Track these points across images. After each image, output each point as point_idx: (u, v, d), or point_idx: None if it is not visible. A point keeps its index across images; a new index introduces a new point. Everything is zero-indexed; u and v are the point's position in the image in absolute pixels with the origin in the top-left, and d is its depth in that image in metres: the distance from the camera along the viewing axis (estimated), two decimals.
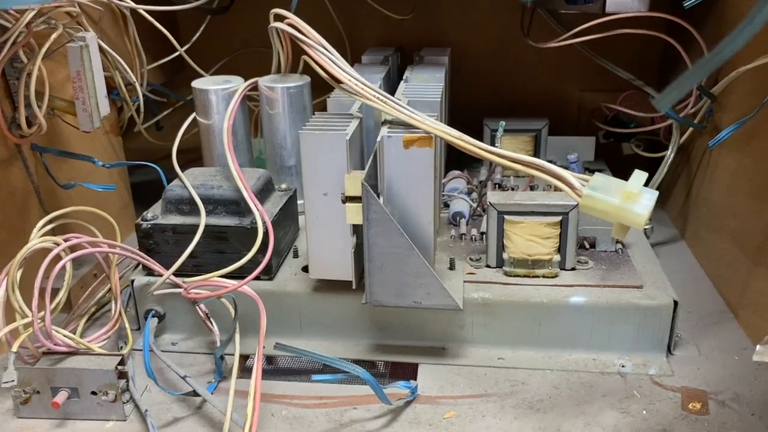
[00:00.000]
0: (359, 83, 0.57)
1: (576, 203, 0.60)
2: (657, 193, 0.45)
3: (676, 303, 0.59)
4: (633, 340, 0.60)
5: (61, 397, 0.54)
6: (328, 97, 0.67)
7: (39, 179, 0.68)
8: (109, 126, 0.83)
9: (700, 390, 0.57)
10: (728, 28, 0.71)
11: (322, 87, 0.64)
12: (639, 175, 0.45)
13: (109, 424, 0.55)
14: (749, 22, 0.24)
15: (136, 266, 0.66)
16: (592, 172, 0.88)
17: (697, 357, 0.61)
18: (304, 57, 0.60)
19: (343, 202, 0.55)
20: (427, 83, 0.70)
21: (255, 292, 0.57)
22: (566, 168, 0.83)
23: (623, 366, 0.59)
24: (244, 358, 0.62)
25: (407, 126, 0.55)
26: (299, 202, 0.71)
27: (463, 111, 0.91)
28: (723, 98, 0.71)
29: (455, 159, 0.85)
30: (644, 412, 0.54)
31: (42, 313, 0.53)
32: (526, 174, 0.51)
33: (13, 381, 0.51)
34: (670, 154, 0.76)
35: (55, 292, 0.60)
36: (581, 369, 0.59)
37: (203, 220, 0.61)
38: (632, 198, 0.44)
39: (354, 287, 0.60)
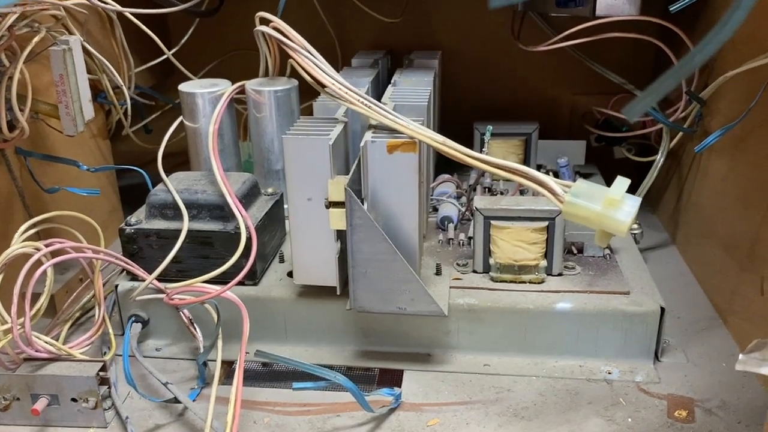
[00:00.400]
0: (343, 87, 0.57)
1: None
2: (639, 199, 0.45)
3: (663, 309, 0.58)
4: (620, 347, 0.59)
5: (40, 404, 0.53)
6: (315, 101, 0.66)
7: (24, 183, 0.68)
8: (96, 129, 0.82)
9: (686, 397, 0.56)
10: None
11: (311, 91, 0.64)
12: (621, 182, 0.44)
13: (90, 431, 0.54)
14: (720, 30, 0.23)
15: (121, 271, 0.66)
16: (583, 176, 0.88)
17: (684, 364, 0.60)
18: (290, 60, 0.60)
19: (327, 207, 0.55)
20: (415, 87, 0.70)
21: (239, 297, 0.57)
22: (556, 172, 0.84)
23: (610, 373, 0.59)
24: (228, 364, 0.61)
25: (392, 131, 0.55)
26: (285, 206, 0.71)
27: (453, 114, 0.91)
28: (712, 102, 0.71)
29: (445, 163, 0.85)
30: (629, 419, 0.54)
31: (21, 319, 0.53)
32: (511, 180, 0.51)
33: None
34: (659, 159, 0.75)
35: (36, 297, 0.59)
36: (567, 376, 0.59)
37: (186, 224, 0.61)
38: (614, 205, 0.44)
39: (339, 293, 0.60)
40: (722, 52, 0.43)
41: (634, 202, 0.44)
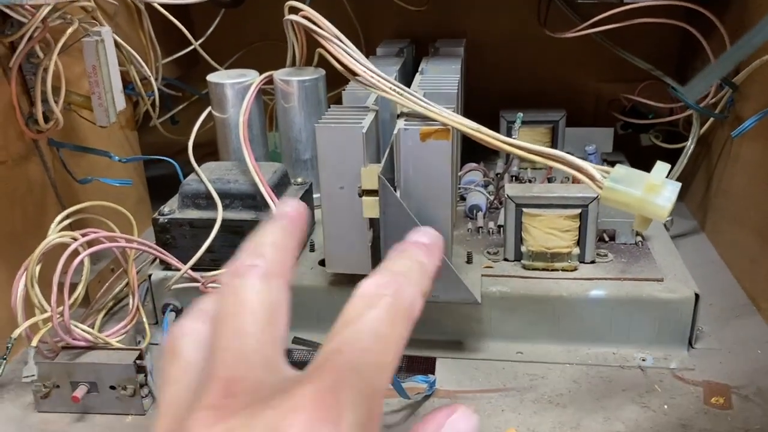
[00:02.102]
0: (375, 75, 0.57)
1: (596, 195, 0.59)
2: (679, 184, 0.44)
3: (697, 296, 0.58)
4: (654, 334, 0.59)
5: (80, 391, 0.54)
6: (344, 89, 0.66)
7: (56, 174, 0.69)
8: (124, 120, 0.83)
9: (722, 384, 0.56)
10: (751, 16, 0.70)
11: (336, 80, 0.64)
12: (661, 167, 0.44)
13: (129, 419, 0.55)
14: None
15: (154, 261, 0.66)
16: (610, 163, 0.87)
17: (719, 351, 0.60)
18: (320, 50, 0.60)
19: (360, 195, 0.55)
20: (443, 75, 0.69)
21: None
22: (584, 160, 0.83)
23: (644, 360, 0.59)
24: None
25: (424, 118, 0.55)
26: (315, 195, 0.71)
27: (478, 103, 0.90)
28: (745, 88, 0.70)
29: (471, 151, 0.85)
30: (665, 406, 0.54)
31: (61, 307, 0.54)
32: (545, 166, 0.51)
33: (34, 375, 0.52)
34: (690, 145, 0.75)
35: (73, 286, 0.60)
36: (601, 363, 0.59)
37: (220, 214, 0.61)
38: (655, 190, 0.43)
39: None
40: None
41: (674, 187, 0.44)
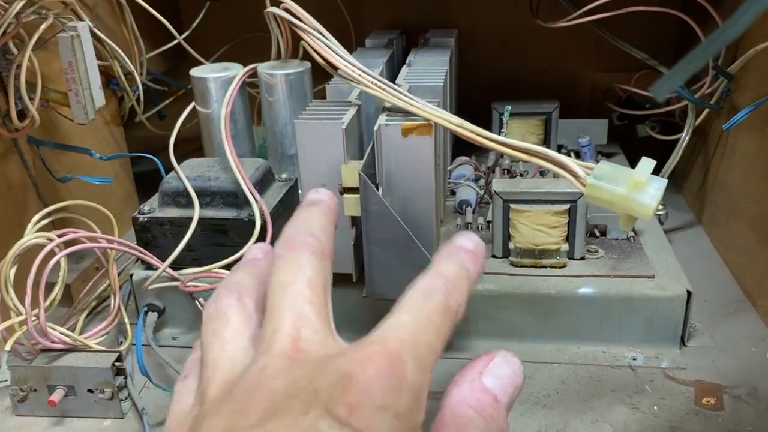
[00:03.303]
0: (356, 69, 0.55)
1: None
2: (665, 181, 0.43)
3: (689, 293, 0.57)
4: (645, 332, 0.58)
5: (57, 395, 0.53)
6: (327, 84, 0.65)
7: (37, 173, 0.68)
8: (110, 116, 0.82)
9: (714, 384, 0.54)
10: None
11: (324, 73, 0.62)
12: (647, 163, 0.42)
13: (107, 422, 0.54)
14: (754, 1, 0.21)
15: (137, 260, 0.65)
16: (605, 155, 0.86)
17: (712, 349, 0.59)
18: (302, 42, 0.58)
19: (341, 193, 0.54)
20: (430, 67, 0.68)
21: None
22: (578, 152, 0.82)
23: (634, 359, 0.57)
24: None
25: (407, 113, 0.53)
26: (300, 191, 0.70)
27: (470, 94, 0.89)
28: (741, 77, 0.68)
29: (463, 144, 0.83)
30: (655, 407, 0.52)
31: (36, 310, 0.53)
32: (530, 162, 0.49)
33: (7, 381, 0.51)
34: (685, 137, 0.73)
35: (51, 287, 0.59)
36: (590, 362, 0.57)
37: (197, 212, 0.60)
38: (639, 187, 0.42)
39: (354, 280, 0.58)
40: (750, 25, 0.41)
41: (659, 185, 0.42)
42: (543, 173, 0.77)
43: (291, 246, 0.25)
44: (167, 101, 0.89)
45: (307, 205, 0.28)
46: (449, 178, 0.77)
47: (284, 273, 0.24)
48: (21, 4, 0.57)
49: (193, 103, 0.73)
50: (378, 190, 0.53)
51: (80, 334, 0.60)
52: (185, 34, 0.84)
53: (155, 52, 0.83)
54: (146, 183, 0.89)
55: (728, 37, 0.22)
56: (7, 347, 0.51)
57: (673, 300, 0.57)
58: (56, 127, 0.72)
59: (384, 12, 0.95)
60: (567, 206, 0.59)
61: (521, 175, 0.78)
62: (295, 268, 0.24)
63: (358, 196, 0.53)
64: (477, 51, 0.94)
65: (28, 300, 0.52)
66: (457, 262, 0.25)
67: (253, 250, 0.29)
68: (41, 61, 0.63)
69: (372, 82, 0.54)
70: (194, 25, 0.86)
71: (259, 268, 0.27)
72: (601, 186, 0.43)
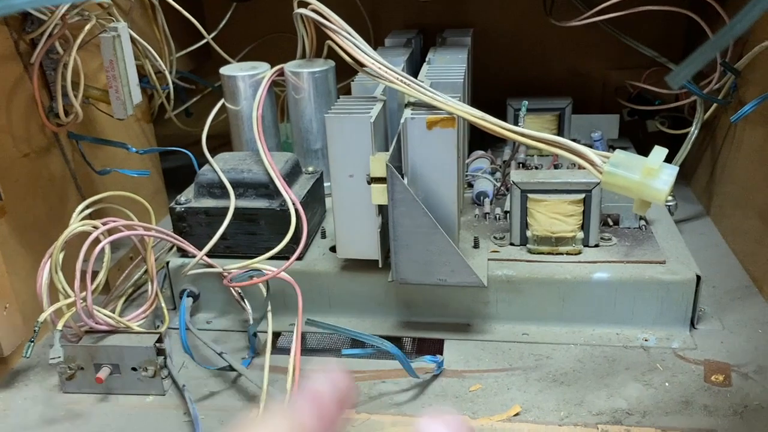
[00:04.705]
0: (382, 66, 0.58)
1: (599, 181, 0.61)
2: (677, 168, 0.46)
3: (698, 277, 0.59)
4: (656, 315, 0.61)
5: (103, 372, 0.56)
6: (353, 80, 0.68)
7: (76, 166, 0.71)
8: (140, 113, 0.85)
9: (723, 363, 0.57)
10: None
11: (346, 71, 0.65)
12: (659, 151, 0.46)
13: (149, 398, 0.57)
14: None
15: (171, 248, 0.69)
16: (616, 150, 0.89)
17: (720, 331, 0.62)
18: (328, 42, 0.62)
19: (369, 183, 0.57)
20: (449, 64, 0.71)
21: (285, 272, 0.59)
22: (590, 147, 0.85)
23: (646, 340, 0.60)
24: (275, 335, 0.64)
25: (430, 107, 0.56)
26: (326, 184, 0.73)
27: (486, 91, 0.92)
28: (747, 73, 0.71)
29: (479, 139, 0.86)
30: (667, 384, 0.55)
31: (84, 293, 0.56)
32: (550, 153, 0.52)
33: (60, 357, 0.54)
34: (693, 131, 0.76)
35: (94, 274, 0.62)
36: (605, 343, 0.60)
37: (233, 203, 0.63)
38: (653, 174, 0.45)
39: (380, 266, 0.62)
40: (757, 21, 0.44)
41: (671, 171, 0.45)
42: (557, 166, 0.80)
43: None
44: (194, 99, 0.93)
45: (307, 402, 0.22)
46: (466, 171, 0.80)
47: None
48: (66, 6, 0.60)
49: (222, 101, 0.76)
50: (404, 180, 0.56)
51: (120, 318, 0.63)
52: (213, 34, 0.87)
53: (184, 51, 0.87)
54: (173, 178, 0.92)
55: (738, 30, 0.25)
56: (60, 326, 0.55)
57: (684, 284, 0.60)
58: (92, 123, 0.75)
59: (402, 12, 0.98)
60: (582, 195, 0.62)
61: (536, 168, 0.81)
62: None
63: (385, 185, 0.56)
64: (491, 49, 0.97)
65: (77, 283, 0.55)
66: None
67: (319, 379, 0.23)
68: (82, 60, 0.66)
69: (397, 78, 0.58)
70: (222, 25, 0.89)
71: (322, 410, 0.22)
72: (617, 173, 0.46)
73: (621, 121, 0.89)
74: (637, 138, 0.92)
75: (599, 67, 0.98)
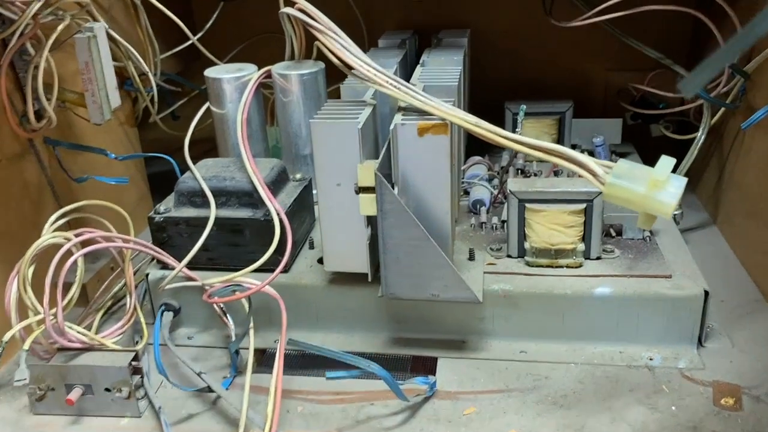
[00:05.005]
0: (372, 69, 0.55)
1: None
2: (685, 180, 0.42)
3: (706, 293, 0.56)
4: (661, 332, 0.58)
5: (75, 394, 0.53)
6: (342, 84, 0.65)
7: (53, 173, 0.68)
8: (124, 117, 0.82)
9: (733, 384, 0.54)
10: (763, 2, 0.67)
11: (337, 73, 0.62)
12: (666, 161, 0.42)
13: (124, 421, 0.54)
14: None
15: (153, 259, 0.66)
16: (619, 155, 0.86)
17: (729, 349, 0.58)
18: (317, 43, 0.58)
19: (357, 192, 0.54)
20: (444, 66, 0.68)
21: (270, 285, 0.56)
22: (592, 152, 0.81)
23: (651, 359, 0.57)
24: (260, 352, 0.61)
25: (422, 113, 0.53)
26: (315, 191, 0.70)
27: (483, 94, 0.89)
28: (757, 76, 0.68)
29: (476, 144, 0.83)
30: (673, 407, 0.52)
31: (54, 309, 0.53)
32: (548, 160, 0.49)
33: (25, 379, 0.51)
34: (700, 136, 0.72)
35: (68, 287, 0.59)
36: (607, 362, 0.57)
37: (213, 212, 0.60)
38: (659, 186, 0.42)
39: (370, 279, 0.58)
40: None
41: (680, 183, 0.42)
42: (557, 173, 0.77)
43: None
44: (181, 102, 0.90)
45: None
46: (463, 178, 0.77)
47: None
48: (39, 4, 0.57)
49: (207, 104, 0.73)
50: (394, 189, 0.53)
51: (96, 333, 0.60)
52: (199, 35, 0.84)
53: (169, 53, 0.84)
54: (159, 184, 0.89)
55: (757, 33, 0.22)
56: (26, 346, 0.51)
57: (691, 300, 0.56)
58: (71, 128, 0.72)
59: (396, 12, 0.95)
60: (583, 206, 0.58)
61: (535, 175, 0.78)
62: None
63: (374, 195, 0.53)
64: (489, 51, 0.94)
65: (46, 299, 0.52)
66: None
67: None
68: (57, 62, 0.63)
69: (387, 82, 0.54)
70: (208, 25, 0.86)
71: None
72: (620, 185, 0.43)
73: (623, 126, 0.85)
74: (641, 143, 0.88)
75: (600, 69, 0.95)
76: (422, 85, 0.60)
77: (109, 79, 0.63)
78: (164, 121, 0.87)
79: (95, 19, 0.67)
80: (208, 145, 0.78)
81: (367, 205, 0.54)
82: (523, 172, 0.79)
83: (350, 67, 0.56)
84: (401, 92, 0.53)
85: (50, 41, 0.59)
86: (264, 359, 0.61)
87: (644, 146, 0.88)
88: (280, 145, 0.79)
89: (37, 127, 0.62)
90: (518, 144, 0.48)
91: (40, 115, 0.62)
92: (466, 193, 0.75)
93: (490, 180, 0.77)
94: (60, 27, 0.60)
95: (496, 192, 0.73)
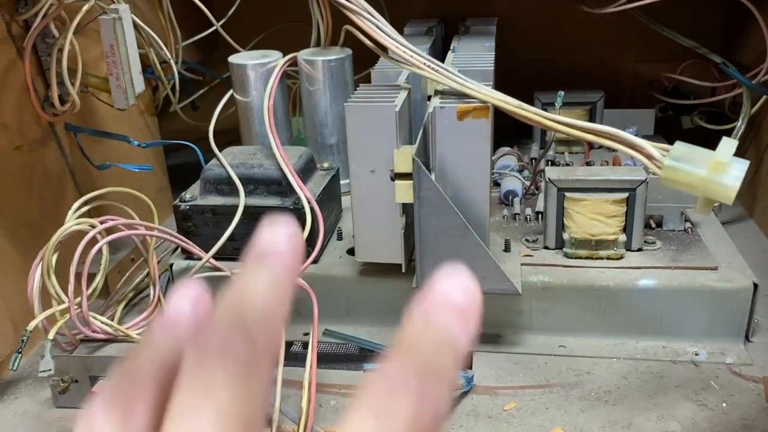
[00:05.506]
0: (408, 50, 0.53)
1: (644, 178, 0.55)
2: (747, 162, 0.40)
3: (756, 285, 0.54)
4: (707, 326, 0.55)
5: (100, 386, 0.51)
6: (373, 69, 0.63)
7: (74, 160, 0.66)
8: (144, 106, 0.80)
9: None
10: None
11: (364, 60, 0.60)
12: (728, 143, 0.40)
13: None
14: None
15: (175, 250, 0.64)
16: (677, 142, 0.83)
17: None
18: (347, 27, 0.56)
19: (392, 179, 0.52)
20: (477, 52, 0.66)
21: (300, 276, 0.54)
22: None
23: (696, 354, 0.55)
24: (287, 344, 0.59)
25: (461, 96, 0.51)
26: (342, 182, 0.68)
27: (510, 84, 0.86)
28: None
29: (503, 135, 0.81)
30: (724, 404, 0.50)
31: (78, 298, 0.51)
32: (583, 150, 0.47)
33: (50, 370, 0.49)
34: (740, 126, 0.70)
35: (91, 277, 0.57)
36: (651, 357, 0.55)
37: (242, 200, 0.58)
38: (721, 168, 0.39)
39: (403, 270, 0.56)
40: None
41: (742, 165, 0.40)
42: (589, 164, 0.74)
43: (204, 355, 0.15)
44: (202, 91, 0.88)
45: (255, 261, 0.17)
46: (492, 169, 0.75)
47: (185, 400, 0.15)
48: None
49: (230, 92, 0.71)
50: (431, 175, 0.51)
51: (119, 325, 0.58)
52: (222, 21, 0.82)
53: (191, 40, 0.82)
54: (178, 176, 0.87)
55: None
56: (51, 335, 0.49)
57: (739, 292, 0.54)
58: (92, 114, 0.70)
59: (421, 0, 0.93)
60: (626, 195, 0.56)
61: (567, 166, 0.75)
62: (203, 392, 0.15)
63: (410, 182, 0.51)
64: (515, 39, 0.91)
65: (71, 287, 0.50)
66: (438, 330, 0.16)
67: (176, 298, 0.17)
68: (79, 47, 0.61)
69: (425, 64, 0.52)
70: (230, 12, 0.84)
71: (176, 338, 0.17)
72: (679, 167, 0.40)
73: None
74: (670, 135, 0.86)
75: (630, 59, 0.93)
76: (457, 69, 0.58)
77: (134, 62, 0.61)
78: (184, 111, 0.85)
79: (118, 1, 0.65)
80: (229, 137, 0.75)
81: (403, 192, 0.52)
82: (554, 164, 0.77)
83: (385, 49, 0.54)
84: (440, 75, 0.51)
85: (75, 22, 0.57)
86: (291, 353, 0.58)
87: (674, 138, 0.85)
88: (302, 135, 0.77)
89: (60, 111, 0.60)
90: (566, 126, 0.46)
91: (62, 99, 0.60)
92: (496, 184, 0.72)
93: (520, 171, 0.74)
94: (84, 8, 0.58)
95: (528, 183, 0.70)
